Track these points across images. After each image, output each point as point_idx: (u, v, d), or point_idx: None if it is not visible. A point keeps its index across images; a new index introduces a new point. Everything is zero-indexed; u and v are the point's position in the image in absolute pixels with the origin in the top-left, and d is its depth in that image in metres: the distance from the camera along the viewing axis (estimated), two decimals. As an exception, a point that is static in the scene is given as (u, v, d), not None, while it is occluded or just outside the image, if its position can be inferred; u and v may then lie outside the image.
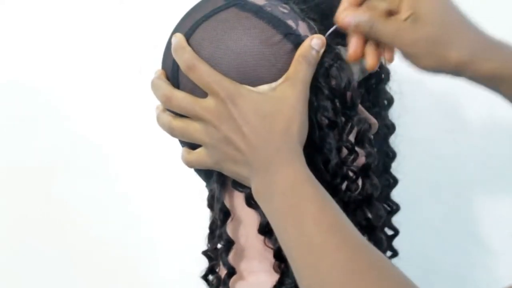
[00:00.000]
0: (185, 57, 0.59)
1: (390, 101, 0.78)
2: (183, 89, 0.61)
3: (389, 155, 0.80)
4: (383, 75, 0.76)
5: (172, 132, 0.62)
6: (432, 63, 0.58)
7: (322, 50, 0.59)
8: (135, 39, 1.07)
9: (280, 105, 0.57)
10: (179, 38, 0.60)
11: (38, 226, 1.11)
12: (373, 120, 0.66)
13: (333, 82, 0.60)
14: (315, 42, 0.58)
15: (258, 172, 0.57)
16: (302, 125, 0.57)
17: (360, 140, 0.62)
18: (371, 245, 0.56)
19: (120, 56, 1.07)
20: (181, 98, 0.60)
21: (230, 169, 0.60)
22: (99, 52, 1.08)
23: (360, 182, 0.63)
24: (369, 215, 0.64)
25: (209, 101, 0.58)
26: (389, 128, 0.79)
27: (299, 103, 0.57)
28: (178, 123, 0.61)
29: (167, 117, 0.62)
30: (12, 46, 1.10)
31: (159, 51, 0.66)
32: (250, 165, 0.57)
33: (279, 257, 0.60)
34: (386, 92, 0.77)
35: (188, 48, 0.59)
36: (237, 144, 0.57)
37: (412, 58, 0.59)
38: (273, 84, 0.58)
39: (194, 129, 0.59)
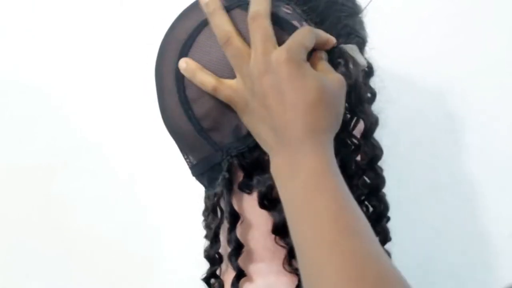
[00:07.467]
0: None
1: (374, 95, 0.79)
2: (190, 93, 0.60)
3: None
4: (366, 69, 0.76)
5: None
6: None
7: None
8: (135, 39, 1.07)
9: (330, 92, 0.55)
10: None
11: (38, 226, 1.11)
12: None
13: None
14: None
15: (285, 148, 0.54)
16: (340, 117, 0.56)
17: (369, 134, 0.62)
18: (385, 254, 0.52)
19: (120, 56, 1.07)
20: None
21: (256, 128, 0.56)
22: (99, 52, 1.08)
23: (368, 175, 0.64)
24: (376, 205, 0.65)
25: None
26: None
27: (343, 98, 0.57)
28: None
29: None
30: (12, 46, 1.09)
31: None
32: (279, 138, 0.54)
33: (293, 255, 0.56)
34: (370, 87, 0.78)
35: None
36: (273, 108, 0.54)
37: None
38: (321, 73, 0.56)
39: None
